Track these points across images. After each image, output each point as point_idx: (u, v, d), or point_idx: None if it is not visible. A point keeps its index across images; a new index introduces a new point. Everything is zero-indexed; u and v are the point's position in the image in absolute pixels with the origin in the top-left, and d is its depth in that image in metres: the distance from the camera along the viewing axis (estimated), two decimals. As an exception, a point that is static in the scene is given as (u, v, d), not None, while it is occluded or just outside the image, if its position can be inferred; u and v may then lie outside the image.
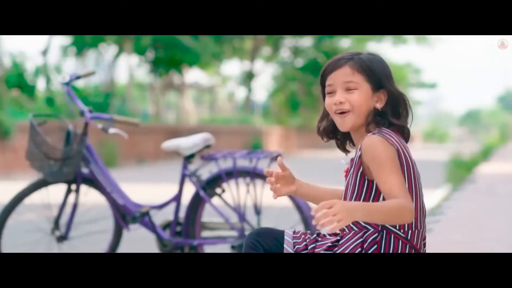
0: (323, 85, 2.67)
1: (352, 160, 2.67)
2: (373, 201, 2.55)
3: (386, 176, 2.48)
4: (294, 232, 2.67)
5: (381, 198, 2.55)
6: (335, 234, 2.64)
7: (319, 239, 2.64)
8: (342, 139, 2.73)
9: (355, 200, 2.57)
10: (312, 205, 4.51)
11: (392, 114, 2.60)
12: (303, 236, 2.66)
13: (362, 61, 2.60)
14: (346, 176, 2.68)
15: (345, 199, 2.64)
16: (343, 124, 2.62)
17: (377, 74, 2.60)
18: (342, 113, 2.60)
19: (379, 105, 2.60)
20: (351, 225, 2.58)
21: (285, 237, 2.65)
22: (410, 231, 2.56)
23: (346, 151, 2.75)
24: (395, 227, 2.55)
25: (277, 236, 2.65)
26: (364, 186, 2.56)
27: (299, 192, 2.78)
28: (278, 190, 2.73)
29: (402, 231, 2.55)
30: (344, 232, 2.60)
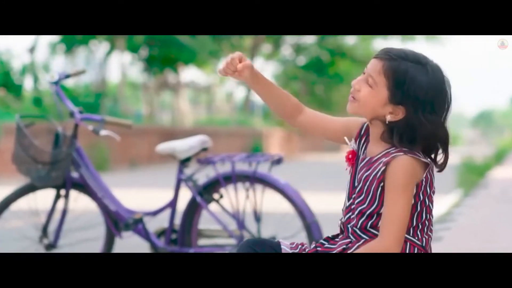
0: None
1: (356, 138, 2.68)
2: None
3: (391, 204, 2.50)
4: (290, 243, 2.70)
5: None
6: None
7: (318, 249, 2.65)
8: None
9: (375, 207, 2.56)
10: (314, 211, 4.52)
11: (397, 135, 2.55)
12: (300, 246, 2.69)
13: (398, 69, 2.53)
14: (349, 160, 2.67)
15: (355, 193, 2.61)
16: (348, 107, 2.64)
17: (404, 91, 2.53)
18: (353, 97, 2.62)
19: (389, 118, 2.55)
20: (361, 233, 2.58)
21: (282, 246, 2.67)
22: (424, 239, 2.57)
23: None
24: (409, 233, 2.56)
25: (274, 246, 2.67)
26: (383, 196, 2.56)
27: (252, 80, 2.68)
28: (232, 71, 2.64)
29: (417, 238, 2.56)
30: (352, 242, 2.60)
